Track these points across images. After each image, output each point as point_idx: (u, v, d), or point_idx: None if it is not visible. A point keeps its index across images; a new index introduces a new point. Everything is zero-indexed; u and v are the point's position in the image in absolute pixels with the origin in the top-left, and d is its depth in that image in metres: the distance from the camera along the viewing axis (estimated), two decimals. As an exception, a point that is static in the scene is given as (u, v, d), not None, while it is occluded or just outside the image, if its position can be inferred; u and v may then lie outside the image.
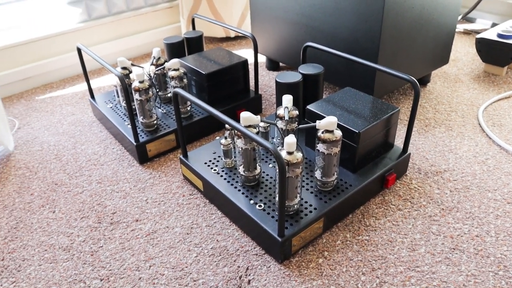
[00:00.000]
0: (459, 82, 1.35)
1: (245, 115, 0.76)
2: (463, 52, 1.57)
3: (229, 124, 0.70)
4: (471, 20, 1.82)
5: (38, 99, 1.39)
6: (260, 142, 0.64)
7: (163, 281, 0.73)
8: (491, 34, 1.38)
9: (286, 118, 0.82)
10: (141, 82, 0.97)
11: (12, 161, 1.09)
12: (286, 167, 0.70)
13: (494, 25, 1.74)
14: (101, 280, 0.74)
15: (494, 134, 1.09)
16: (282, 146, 0.86)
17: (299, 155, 0.71)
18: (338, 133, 0.76)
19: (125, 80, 0.91)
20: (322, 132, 0.76)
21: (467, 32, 1.74)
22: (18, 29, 1.46)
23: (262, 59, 1.55)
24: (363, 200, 0.87)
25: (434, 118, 1.17)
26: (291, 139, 0.69)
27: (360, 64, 1.00)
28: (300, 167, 0.72)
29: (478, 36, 1.38)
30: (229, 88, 1.13)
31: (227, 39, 1.74)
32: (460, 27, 1.77)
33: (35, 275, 0.76)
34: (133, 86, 0.97)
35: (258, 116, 0.77)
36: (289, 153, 0.70)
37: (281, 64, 1.47)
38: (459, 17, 1.77)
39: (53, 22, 1.48)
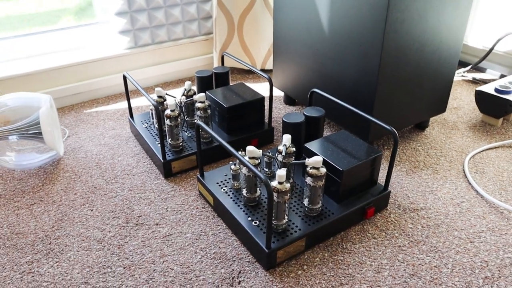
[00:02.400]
0: (455, 129, 1.50)
1: (250, 149, 0.95)
2: (467, 100, 1.71)
3: (233, 155, 0.89)
4: (481, 70, 1.96)
5: (86, 112, 1.62)
6: (255, 172, 0.83)
7: (172, 274, 0.92)
8: (489, 88, 1.53)
9: (283, 153, 1.01)
10: (172, 110, 1.17)
11: (61, 164, 1.31)
12: (276, 193, 0.88)
13: (502, 76, 1.87)
14: (124, 268, 0.94)
15: (474, 181, 1.24)
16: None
17: (287, 185, 0.89)
18: (323, 170, 0.94)
19: (159, 108, 1.12)
20: (310, 168, 0.95)
21: (475, 82, 1.88)
22: (76, 51, 1.71)
23: (281, 93, 1.74)
24: (343, 226, 1.04)
25: (424, 161, 1.33)
26: (282, 172, 0.88)
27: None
28: (288, 194, 0.90)
29: (478, 88, 1.53)
30: (247, 120, 1.33)
31: (253, 72, 1.94)
32: (470, 75, 1.91)
33: (74, 258, 0.97)
34: (165, 113, 1.18)
35: (260, 151, 0.96)
36: (280, 183, 0.89)
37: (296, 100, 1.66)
38: (469, 67, 1.91)
39: (105, 47, 1.73)
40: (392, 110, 1.26)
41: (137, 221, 1.08)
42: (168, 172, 1.22)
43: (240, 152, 1.08)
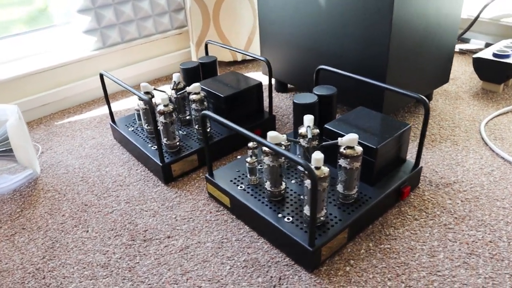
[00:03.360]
0: (459, 99, 1.43)
1: (273, 134, 0.82)
2: (461, 71, 1.65)
3: (263, 144, 0.75)
4: (465, 41, 1.91)
5: (57, 124, 1.44)
6: (292, 159, 0.70)
7: (202, 292, 0.78)
8: (487, 54, 1.46)
9: (310, 136, 0.88)
10: (165, 105, 1.03)
11: (40, 184, 1.13)
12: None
13: (488, 45, 1.82)
14: (142, 293, 0.79)
15: (497, 148, 1.16)
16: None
17: (326, 170, 0.77)
18: (359, 149, 0.82)
19: (152, 103, 0.97)
20: (344, 148, 0.82)
21: (462, 52, 1.82)
22: (35, 57, 1.51)
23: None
24: (381, 211, 0.93)
25: (439, 134, 1.23)
26: (318, 155, 0.75)
27: (368, 85, 1.06)
28: (327, 181, 0.77)
29: (475, 56, 1.46)
30: (245, 109, 1.19)
31: (234, 62, 1.81)
32: (456, 47, 1.86)
33: (78, 290, 0.81)
34: (158, 109, 1.03)
35: (284, 135, 0.83)
36: (317, 168, 0.76)
37: (289, 85, 1.54)
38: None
39: (69, 50, 1.54)
40: (402, 82, 1.17)
41: (144, 236, 0.92)
42: (168, 176, 1.06)
43: (251, 144, 0.94)
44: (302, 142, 0.90)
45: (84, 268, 0.86)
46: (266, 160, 0.85)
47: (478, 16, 1.76)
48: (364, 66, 1.14)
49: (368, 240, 0.87)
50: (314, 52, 1.26)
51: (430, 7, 1.12)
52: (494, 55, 1.44)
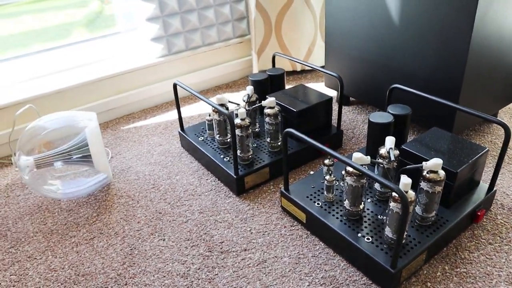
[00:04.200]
0: (525, 117, 1.40)
1: (358, 156, 0.83)
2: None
3: (350, 165, 0.77)
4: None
5: (123, 129, 1.49)
6: (384, 183, 0.71)
7: (284, 308, 0.80)
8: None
9: (392, 158, 0.89)
10: (242, 119, 1.05)
11: (113, 189, 1.18)
12: (398, 203, 0.76)
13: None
14: (225, 305, 0.81)
15: None
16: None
17: (412, 194, 0.77)
18: (442, 173, 0.83)
19: (232, 117, 0.99)
20: (427, 172, 0.83)
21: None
22: (102, 63, 1.57)
23: (333, 93, 1.62)
24: (455, 234, 0.93)
25: (508, 155, 1.22)
26: (407, 180, 0.76)
27: (440, 104, 1.06)
28: (412, 205, 0.78)
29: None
30: (315, 124, 1.21)
31: (293, 72, 1.83)
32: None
33: (163, 299, 0.84)
34: (235, 122, 1.05)
35: (368, 157, 0.84)
36: (406, 191, 0.77)
37: (351, 98, 1.55)
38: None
39: (135, 56, 1.59)
40: (473, 102, 1.16)
41: (221, 248, 0.95)
42: (241, 188, 1.09)
43: (327, 161, 0.96)
44: (384, 163, 0.91)
45: (164, 277, 0.89)
46: (349, 180, 0.86)
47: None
48: (437, 85, 1.14)
49: (443, 263, 0.88)
50: (384, 68, 1.26)
51: (506, 27, 1.10)
52: None
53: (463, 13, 1.01)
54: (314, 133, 1.22)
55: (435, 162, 0.81)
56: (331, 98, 1.21)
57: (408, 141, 1.15)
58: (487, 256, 0.89)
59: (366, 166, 0.94)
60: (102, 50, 1.59)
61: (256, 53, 1.66)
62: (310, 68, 1.82)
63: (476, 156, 0.92)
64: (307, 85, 1.71)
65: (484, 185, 1.00)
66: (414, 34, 1.14)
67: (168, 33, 1.54)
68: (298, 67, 1.75)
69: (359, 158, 0.83)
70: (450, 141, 0.98)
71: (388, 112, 1.05)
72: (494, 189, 0.99)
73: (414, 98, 1.21)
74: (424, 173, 0.83)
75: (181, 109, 1.58)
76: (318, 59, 1.76)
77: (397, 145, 1.06)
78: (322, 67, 1.76)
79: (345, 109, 1.51)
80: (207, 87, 1.74)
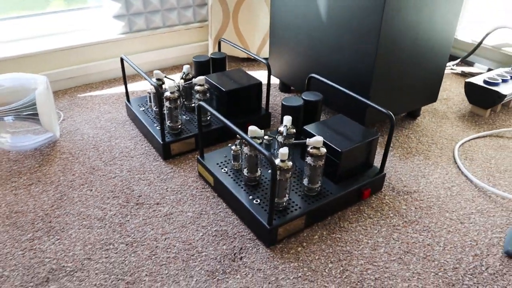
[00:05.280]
0: (445, 118, 1.55)
1: (252, 128, 0.97)
2: (456, 92, 1.76)
3: (240, 135, 0.90)
4: (470, 64, 2.01)
5: (80, 96, 1.62)
6: (260, 150, 0.85)
7: (175, 251, 0.94)
8: (478, 80, 1.57)
9: (284, 134, 1.03)
10: (171, 93, 1.19)
11: (58, 146, 1.31)
12: (278, 171, 0.91)
13: (489, 70, 1.92)
14: (126, 245, 0.96)
15: (464, 167, 1.28)
16: (280, 156, 1.06)
17: (289, 163, 0.91)
18: (323, 150, 0.97)
19: (159, 89, 1.13)
20: (311, 148, 0.97)
21: (464, 75, 1.93)
22: (69, 34, 1.70)
23: (276, 81, 1.76)
24: (341, 206, 1.07)
25: (416, 148, 1.36)
26: (284, 150, 0.90)
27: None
28: (290, 173, 0.92)
29: (467, 80, 1.57)
30: (244, 104, 1.34)
31: (248, 59, 1.96)
32: (459, 69, 1.96)
33: (75, 236, 0.98)
34: (165, 95, 1.19)
35: (262, 130, 0.98)
36: (282, 161, 0.91)
37: (292, 88, 1.68)
38: (458, 60, 1.96)
39: (99, 31, 1.72)
40: (386, 97, 1.29)
41: (137, 200, 1.09)
42: (167, 154, 1.23)
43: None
44: (279, 138, 1.05)
45: (84, 219, 1.03)
46: (245, 149, 1.00)
47: (480, 43, 1.86)
48: (352, 78, 1.27)
49: (323, 229, 1.02)
50: (313, 60, 1.40)
51: (420, 31, 1.24)
52: (485, 81, 1.55)
53: (372, 11, 1.14)
54: (244, 113, 1.36)
55: (316, 139, 0.95)
56: (260, 83, 1.34)
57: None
58: (363, 227, 1.04)
59: (271, 140, 1.08)
60: (72, 22, 1.71)
61: (212, 39, 1.79)
62: (263, 57, 1.95)
63: (365, 141, 1.06)
64: (257, 72, 1.84)
65: (377, 168, 1.14)
66: (336, 32, 1.27)
67: (130, 12, 1.67)
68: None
69: (254, 130, 0.97)
70: (349, 126, 1.12)
71: (302, 98, 1.19)
72: (384, 173, 1.13)
73: (335, 89, 1.35)
74: (308, 148, 0.97)
75: (136, 83, 1.71)
76: (273, 49, 1.89)
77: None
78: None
79: (285, 95, 1.65)
80: (165, 66, 1.87)
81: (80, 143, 1.33)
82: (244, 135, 0.90)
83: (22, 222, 1.02)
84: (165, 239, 0.97)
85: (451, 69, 1.97)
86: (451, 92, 1.76)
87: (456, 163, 1.29)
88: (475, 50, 1.90)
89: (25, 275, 0.88)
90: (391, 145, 1.37)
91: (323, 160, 0.98)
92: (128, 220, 1.03)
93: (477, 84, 1.55)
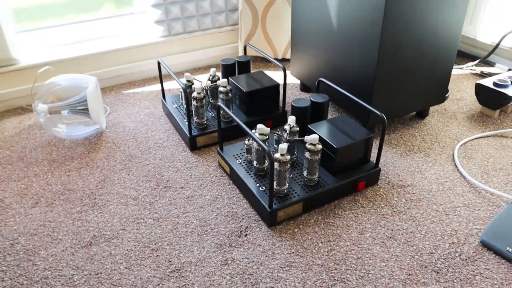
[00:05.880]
0: (453, 118, 1.66)
1: (260, 126, 1.15)
2: (470, 93, 1.85)
3: (246, 131, 1.09)
4: (491, 64, 2.09)
5: (124, 93, 1.85)
6: (261, 144, 1.03)
7: (192, 226, 1.14)
8: (488, 82, 1.67)
9: (288, 131, 1.20)
10: (198, 93, 1.38)
11: (104, 136, 1.55)
12: (278, 163, 1.08)
13: (509, 70, 1.99)
14: (153, 220, 1.17)
15: (461, 164, 1.40)
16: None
17: (287, 157, 1.09)
18: (319, 146, 1.13)
19: (187, 91, 1.33)
20: (308, 144, 1.14)
21: (483, 75, 2.01)
22: (116, 38, 1.93)
23: (298, 81, 1.92)
24: (337, 196, 1.23)
25: (418, 146, 1.49)
26: (283, 146, 1.08)
27: (358, 97, 1.35)
28: (288, 164, 1.10)
29: (478, 82, 1.67)
30: (263, 103, 1.52)
31: (275, 60, 2.13)
32: (478, 69, 2.04)
33: (114, 210, 1.20)
34: (192, 95, 1.39)
35: (268, 128, 1.16)
36: (282, 154, 1.08)
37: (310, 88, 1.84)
38: (477, 61, 2.05)
39: (142, 35, 1.95)
40: (390, 99, 1.43)
41: (165, 184, 1.30)
42: (193, 145, 1.43)
43: (253, 131, 1.28)
44: (285, 135, 1.23)
45: (121, 197, 1.25)
46: (255, 144, 1.18)
47: (498, 45, 1.94)
48: (358, 82, 1.42)
49: (319, 215, 1.19)
50: (326, 64, 1.56)
51: (426, 33, 1.35)
52: (494, 83, 1.64)
53: (373, 22, 1.28)
54: (263, 111, 1.54)
55: (312, 137, 1.12)
56: (278, 84, 1.51)
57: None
58: (355, 214, 1.20)
59: (280, 137, 1.26)
60: (118, 26, 1.95)
61: (242, 42, 1.97)
62: (288, 58, 2.11)
63: (360, 138, 1.22)
64: (280, 73, 2.01)
65: (373, 163, 1.29)
66: (345, 37, 1.42)
67: (169, 18, 1.88)
68: (280, 55, 2.06)
69: (261, 128, 1.15)
70: (349, 125, 1.27)
71: (310, 99, 1.36)
72: (379, 167, 1.28)
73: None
74: (306, 145, 1.14)
75: (173, 81, 1.93)
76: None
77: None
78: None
79: (304, 95, 1.81)
80: (200, 65, 2.08)
81: (122, 134, 1.56)
82: (249, 131, 1.08)
83: (73, 198, 1.25)
84: (185, 216, 1.18)
85: (471, 69, 2.05)
86: (465, 93, 1.85)
87: (454, 161, 1.42)
88: (493, 51, 1.98)
89: (73, 239, 1.11)
90: (395, 142, 1.51)
91: (319, 154, 1.14)
92: (157, 200, 1.24)
93: (486, 86, 1.64)
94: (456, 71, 2.06)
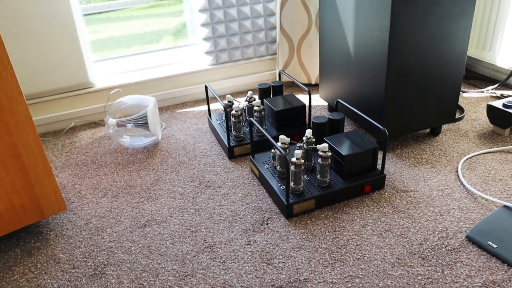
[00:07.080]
0: (465, 136, 1.85)
1: (282, 137, 1.43)
2: (485, 113, 2.03)
3: (269, 141, 1.37)
4: (510, 87, 2.25)
5: (177, 111, 2.19)
6: (280, 150, 1.30)
7: (225, 216, 1.43)
8: (498, 103, 1.85)
9: (305, 141, 1.47)
10: (236, 111, 1.68)
11: (159, 146, 1.88)
12: (293, 166, 1.35)
13: (528, 95, 2.14)
14: (195, 210, 1.46)
15: (462, 174, 1.60)
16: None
17: (302, 161, 1.35)
18: (329, 153, 1.39)
19: (227, 109, 1.63)
20: (320, 151, 1.40)
21: (502, 97, 2.17)
22: (173, 65, 2.29)
23: (325, 103, 2.18)
24: (346, 196, 1.47)
25: (426, 159, 1.70)
26: (298, 151, 1.34)
27: (370, 115, 1.59)
28: (302, 167, 1.36)
29: (489, 103, 1.86)
30: (291, 121, 1.80)
31: (308, 84, 2.41)
32: (498, 92, 2.21)
33: (164, 202, 1.51)
34: (231, 113, 1.69)
35: (288, 139, 1.43)
36: (297, 158, 1.35)
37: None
38: (497, 84, 2.22)
39: (194, 63, 2.30)
40: (399, 117, 1.66)
41: (206, 184, 1.60)
42: (231, 154, 1.72)
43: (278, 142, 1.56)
44: (304, 145, 1.49)
45: (171, 193, 1.56)
46: (278, 152, 1.46)
47: (513, 72, 2.11)
48: (371, 103, 1.66)
49: (330, 211, 1.44)
50: (346, 87, 1.81)
51: (431, 58, 1.59)
52: (504, 105, 1.82)
53: (380, 53, 1.53)
54: (291, 127, 1.81)
55: (323, 146, 1.38)
56: (304, 105, 1.79)
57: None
58: (360, 212, 1.43)
59: (302, 146, 1.52)
60: (175, 56, 2.31)
61: (279, 69, 2.27)
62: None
63: (365, 149, 1.46)
64: (313, 95, 2.28)
65: (379, 170, 1.52)
66: (360, 66, 1.68)
67: (217, 49, 2.22)
68: (313, 81, 2.33)
69: (282, 138, 1.43)
70: (358, 138, 1.52)
71: (328, 117, 1.62)
72: (384, 174, 1.51)
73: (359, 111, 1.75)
74: (318, 152, 1.40)
75: (217, 103, 2.25)
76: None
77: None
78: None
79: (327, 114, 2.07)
80: (242, 89, 2.40)
81: (174, 144, 1.88)
82: (272, 140, 1.36)
83: (133, 192, 1.58)
84: (220, 208, 1.46)
85: (491, 92, 2.22)
86: (481, 113, 2.03)
87: (457, 172, 1.61)
88: (511, 75, 2.15)
89: (132, 222, 1.42)
90: (406, 155, 1.72)
91: (329, 160, 1.40)
92: (198, 196, 1.53)
93: (496, 107, 1.83)
94: (477, 94, 2.24)
